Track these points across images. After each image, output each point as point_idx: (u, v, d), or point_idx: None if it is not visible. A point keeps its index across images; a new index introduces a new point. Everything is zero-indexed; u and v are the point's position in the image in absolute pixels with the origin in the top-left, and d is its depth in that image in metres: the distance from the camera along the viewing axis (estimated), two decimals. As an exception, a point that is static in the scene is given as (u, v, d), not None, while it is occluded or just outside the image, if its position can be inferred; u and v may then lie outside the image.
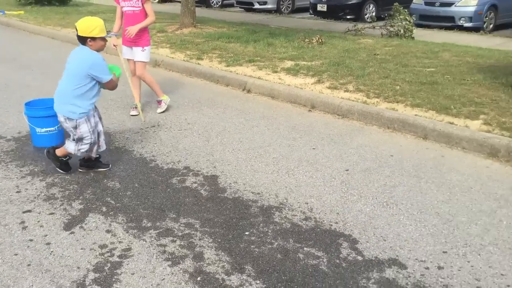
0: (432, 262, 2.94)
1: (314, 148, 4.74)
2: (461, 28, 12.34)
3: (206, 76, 7.63)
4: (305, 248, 3.08)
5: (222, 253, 3.03)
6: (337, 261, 2.95)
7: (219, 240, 3.17)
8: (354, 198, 3.74)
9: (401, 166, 4.31)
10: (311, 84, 6.65)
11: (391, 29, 10.60)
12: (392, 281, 2.76)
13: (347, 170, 4.24)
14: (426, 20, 12.88)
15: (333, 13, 14.78)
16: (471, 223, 3.36)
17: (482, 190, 3.85)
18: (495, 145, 4.47)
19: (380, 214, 3.50)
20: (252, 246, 3.10)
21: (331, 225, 3.36)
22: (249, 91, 6.83)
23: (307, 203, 3.66)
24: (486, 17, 12.56)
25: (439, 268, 2.88)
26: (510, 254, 3.00)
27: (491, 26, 12.76)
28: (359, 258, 2.98)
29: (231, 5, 19.42)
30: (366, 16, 14.64)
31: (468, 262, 2.94)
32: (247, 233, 3.26)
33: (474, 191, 3.84)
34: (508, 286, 2.72)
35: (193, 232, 3.28)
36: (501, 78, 6.57)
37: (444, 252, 3.03)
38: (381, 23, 11.26)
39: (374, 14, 14.70)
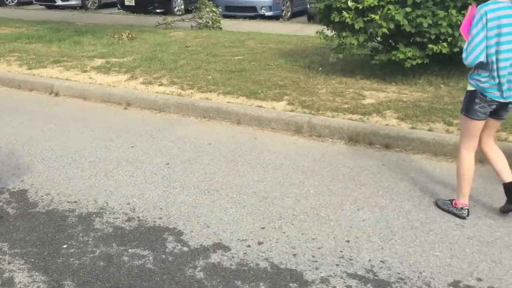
0: (253, 239, 3.11)
1: (132, 146, 4.62)
2: (263, 17, 13.23)
3: (5, 82, 6.87)
4: (129, 250, 3.00)
5: (37, 273, 2.78)
6: (163, 256, 2.94)
7: (33, 260, 2.90)
8: (176, 190, 3.76)
9: (219, 152, 4.46)
10: (125, 81, 6.46)
11: (200, 21, 10.86)
12: (217, 265, 2.86)
13: (167, 163, 4.24)
14: (232, 11, 13.50)
15: (142, 7, 14.55)
16: (284, 197, 3.64)
17: (291, 165, 4.20)
18: (298, 122, 4.91)
19: (202, 202, 3.58)
20: (71, 259, 2.91)
21: (155, 221, 3.33)
22: (57, 94, 6.36)
23: (129, 203, 3.56)
24: (283, 6, 13.67)
25: (259, 243, 3.07)
26: (318, 220, 3.34)
27: (289, 14, 13.95)
28: (185, 249, 3.01)
29: (29, 3, 17.78)
30: (175, 9, 14.75)
31: (284, 233, 3.19)
32: (65, 246, 3.04)
33: (285, 167, 4.17)
34: (319, 248, 3.03)
35: (0, 256, 2.94)
36: (299, 61, 7.24)
37: (262, 228, 3.24)
38: (190, 15, 11.46)
39: (183, 7, 14.88)
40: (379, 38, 6.20)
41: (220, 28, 10.79)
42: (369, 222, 3.28)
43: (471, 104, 3.15)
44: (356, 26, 5.72)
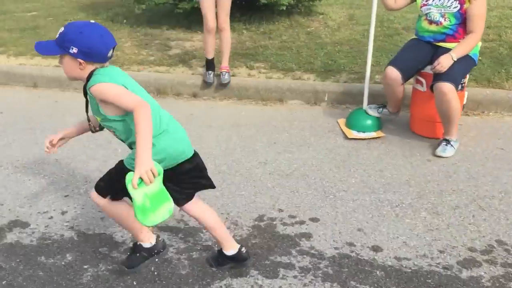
0: (55, 210, 2.90)
1: None
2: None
3: None
4: None
5: None
6: None
7: None
8: (-38, 170, 3.30)
9: (13, 121, 4.01)
10: None
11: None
12: (15, 244, 2.60)
13: (-51, 141, 3.67)
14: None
15: None
16: (89, 160, 3.45)
17: (97, 126, 3.95)
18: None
19: (3, 179, 3.21)
20: None
21: None
22: None
23: None
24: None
25: (63, 213, 2.88)
26: (126, 177, 3.23)
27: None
28: (-26, 234, 2.68)
29: None
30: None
31: (90, 197, 3.02)
32: None
33: (90, 128, 3.91)
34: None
35: None
36: (102, 13, 6.79)
37: (66, 196, 3.04)
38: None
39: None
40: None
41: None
42: (178, 173, 3.29)
43: None
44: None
